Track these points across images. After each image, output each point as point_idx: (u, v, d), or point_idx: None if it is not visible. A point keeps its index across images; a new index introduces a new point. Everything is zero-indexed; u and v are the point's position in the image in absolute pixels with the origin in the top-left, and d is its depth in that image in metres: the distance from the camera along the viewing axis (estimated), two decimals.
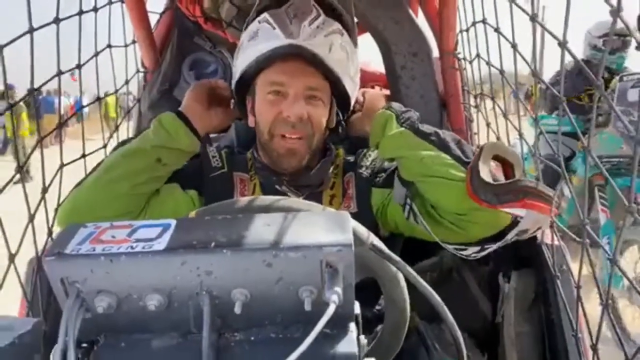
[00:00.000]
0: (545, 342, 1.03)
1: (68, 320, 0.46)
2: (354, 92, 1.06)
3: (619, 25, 0.51)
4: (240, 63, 1.02)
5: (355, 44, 1.06)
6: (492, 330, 1.17)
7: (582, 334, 0.89)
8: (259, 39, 0.97)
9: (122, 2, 1.43)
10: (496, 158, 0.87)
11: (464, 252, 0.91)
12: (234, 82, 1.07)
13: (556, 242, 0.99)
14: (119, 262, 0.46)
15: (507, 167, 0.88)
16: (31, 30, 0.93)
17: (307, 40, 0.93)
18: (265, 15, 0.98)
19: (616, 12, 0.46)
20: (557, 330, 0.96)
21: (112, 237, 0.49)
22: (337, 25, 0.99)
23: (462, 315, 1.16)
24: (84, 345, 0.50)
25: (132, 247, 0.47)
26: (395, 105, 1.01)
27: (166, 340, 0.50)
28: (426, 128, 0.96)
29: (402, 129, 0.95)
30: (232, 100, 1.12)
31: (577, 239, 0.77)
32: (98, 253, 0.46)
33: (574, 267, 0.96)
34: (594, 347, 0.78)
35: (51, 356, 0.49)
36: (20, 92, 9.21)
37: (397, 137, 0.95)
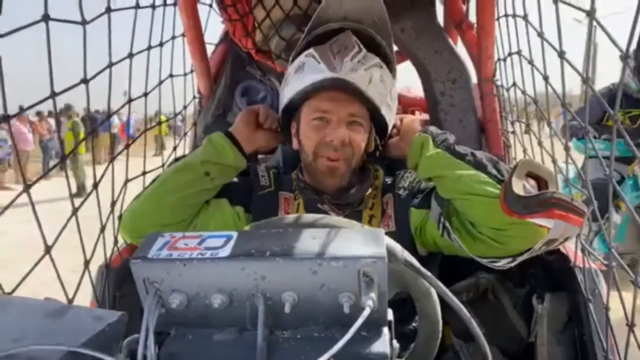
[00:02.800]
0: None
1: (148, 314, 0.55)
2: (391, 118, 1.14)
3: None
4: (287, 92, 1.12)
5: (394, 73, 1.15)
6: (527, 350, 1.19)
7: (614, 355, 0.91)
8: (305, 72, 1.08)
9: (184, 36, 1.58)
10: (530, 175, 0.90)
11: (497, 264, 0.95)
12: (280, 108, 1.17)
13: (589, 266, 1.02)
14: (191, 265, 0.56)
15: (541, 184, 0.91)
16: (110, 65, 1.07)
17: (349, 74, 1.03)
18: (311, 50, 1.09)
19: (624, 57, 0.52)
20: (589, 352, 0.98)
21: (184, 245, 0.58)
22: (376, 60, 1.08)
23: (497, 335, 1.20)
24: (158, 336, 0.60)
25: (201, 254, 0.56)
26: (432, 128, 1.08)
27: (226, 335, 0.59)
28: (461, 149, 1.02)
29: (439, 150, 1.02)
30: (278, 126, 1.22)
31: (604, 261, 0.80)
32: (174, 258, 0.56)
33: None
34: None
35: (124, 344, 0.59)
36: (77, 109, 9.89)
37: (435, 158, 1.01)
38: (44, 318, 0.59)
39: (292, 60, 1.16)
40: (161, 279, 0.56)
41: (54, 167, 1.00)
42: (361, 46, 1.08)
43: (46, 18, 0.82)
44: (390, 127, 1.15)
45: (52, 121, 10.42)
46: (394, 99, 1.15)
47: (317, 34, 1.13)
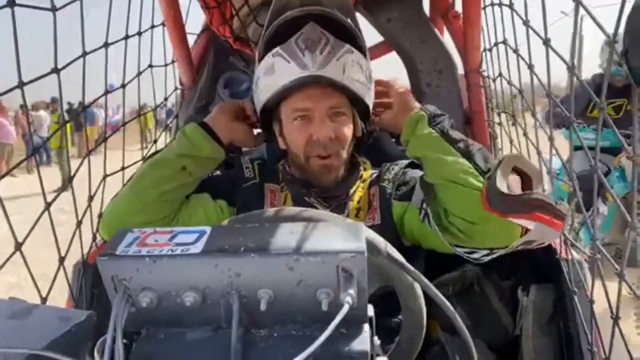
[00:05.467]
0: (564, 355, 1.04)
1: (117, 313, 0.53)
2: (370, 98, 1.10)
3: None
4: (261, 95, 1.08)
5: (363, 51, 1.10)
6: (513, 343, 1.19)
7: (598, 348, 0.90)
8: (276, 73, 1.03)
9: (164, 25, 1.54)
10: (517, 171, 0.88)
11: (473, 256, 0.93)
12: (257, 110, 1.13)
13: (574, 258, 1.01)
14: (161, 262, 0.53)
15: (527, 181, 0.88)
16: (84, 54, 1.03)
17: (321, 69, 0.99)
18: (277, 49, 1.04)
19: (612, 43, 0.50)
20: (574, 345, 0.97)
21: (155, 241, 0.56)
22: (346, 46, 1.04)
23: (483, 327, 1.19)
24: (129, 336, 0.57)
25: (172, 250, 0.53)
26: (431, 107, 1.05)
27: (199, 334, 0.56)
28: (456, 134, 0.99)
29: (432, 130, 0.99)
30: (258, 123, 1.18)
31: (587, 253, 0.79)
32: (143, 254, 0.53)
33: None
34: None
35: (97, 345, 0.56)
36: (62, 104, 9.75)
37: (425, 138, 0.99)
38: (7, 319, 0.56)
39: (259, 60, 1.11)
40: (130, 276, 0.54)
41: (22, 162, 0.96)
42: (328, 35, 1.04)
43: (12, 4, 0.79)
44: (371, 108, 1.11)
45: (34, 114, 10.19)
46: (370, 78, 1.10)
47: (280, 26, 1.08)
